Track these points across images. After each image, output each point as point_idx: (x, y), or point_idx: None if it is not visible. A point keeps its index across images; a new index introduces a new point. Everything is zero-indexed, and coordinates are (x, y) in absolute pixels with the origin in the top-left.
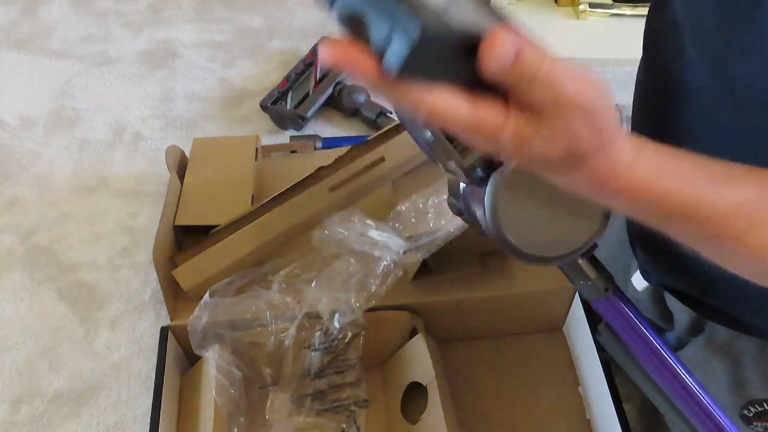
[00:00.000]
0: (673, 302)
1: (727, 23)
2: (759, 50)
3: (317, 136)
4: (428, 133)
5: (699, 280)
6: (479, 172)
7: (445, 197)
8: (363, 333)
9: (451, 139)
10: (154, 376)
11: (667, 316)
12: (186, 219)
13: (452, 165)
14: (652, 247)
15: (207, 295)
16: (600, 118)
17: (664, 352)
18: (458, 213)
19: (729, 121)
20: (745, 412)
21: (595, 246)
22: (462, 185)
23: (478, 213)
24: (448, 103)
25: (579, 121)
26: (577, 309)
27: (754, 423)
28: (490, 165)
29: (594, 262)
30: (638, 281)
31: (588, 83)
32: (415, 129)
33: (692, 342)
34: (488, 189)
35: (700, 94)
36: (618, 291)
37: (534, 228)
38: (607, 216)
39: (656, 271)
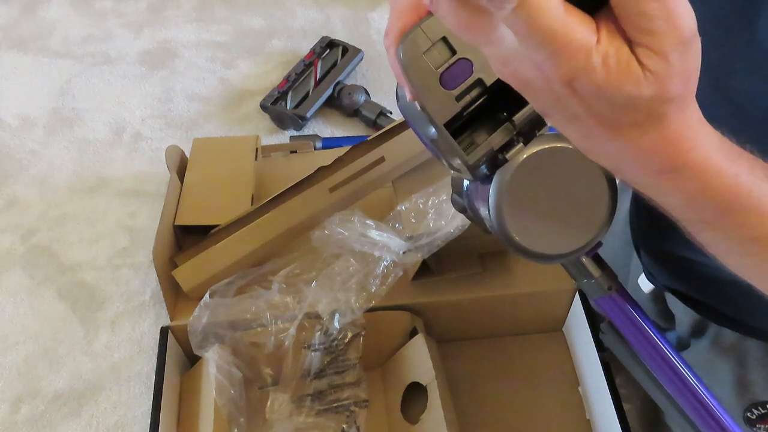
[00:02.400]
0: (675, 303)
1: (725, 37)
2: (757, 64)
3: (317, 136)
4: (432, 130)
5: (705, 284)
6: (484, 169)
7: (445, 197)
8: (363, 333)
9: (455, 136)
10: (154, 376)
11: (668, 316)
12: (186, 219)
13: (456, 162)
14: (657, 251)
15: (207, 295)
16: (694, 59)
17: (668, 351)
18: (462, 210)
19: (731, 135)
20: (749, 414)
21: (599, 244)
22: (466, 182)
23: (482, 211)
24: None
25: (678, 54)
26: (577, 309)
27: (757, 425)
28: (495, 162)
29: (598, 260)
30: (644, 284)
31: (691, 11)
32: (420, 125)
33: (697, 343)
34: (492, 186)
35: (701, 107)
36: (622, 289)
37: (539, 226)
38: (611, 214)
39: (661, 275)
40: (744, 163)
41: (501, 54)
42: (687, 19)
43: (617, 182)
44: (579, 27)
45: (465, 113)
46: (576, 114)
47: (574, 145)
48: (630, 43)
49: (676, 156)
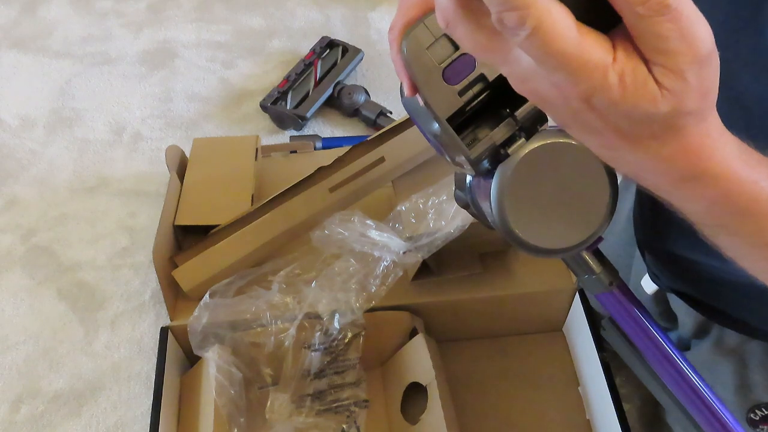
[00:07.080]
0: (678, 305)
1: (733, 38)
2: (764, 66)
3: (317, 136)
4: (435, 125)
5: (710, 286)
6: (486, 164)
7: (446, 197)
8: (363, 333)
9: (458, 131)
10: (154, 376)
11: (670, 317)
12: (186, 219)
13: (459, 157)
14: (661, 252)
15: (207, 295)
16: (712, 74)
17: (669, 347)
18: (465, 206)
19: (742, 136)
20: (752, 415)
21: (600, 239)
22: (469, 178)
23: (485, 206)
24: (558, 20)
25: (695, 72)
26: (577, 309)
27: (760, 426)
28: (497, 157)
29: (599, 255)
30: (647, 285)
31: (708, 29)
32: (423, 120)
33: (699, 344)
34: (494, 181)
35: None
36: (623, 285)
37: (540, 220)
38: (612, 209)
39: (666, 276)
40: (763, 169)
41: (519, 73)
42: (703, 38)
43: (618, 179)
44: (594, 47)
45: (468, 108)
46: (595, 127)
47: (595, 154)
48: (646, 62)
49: (696, 164)
